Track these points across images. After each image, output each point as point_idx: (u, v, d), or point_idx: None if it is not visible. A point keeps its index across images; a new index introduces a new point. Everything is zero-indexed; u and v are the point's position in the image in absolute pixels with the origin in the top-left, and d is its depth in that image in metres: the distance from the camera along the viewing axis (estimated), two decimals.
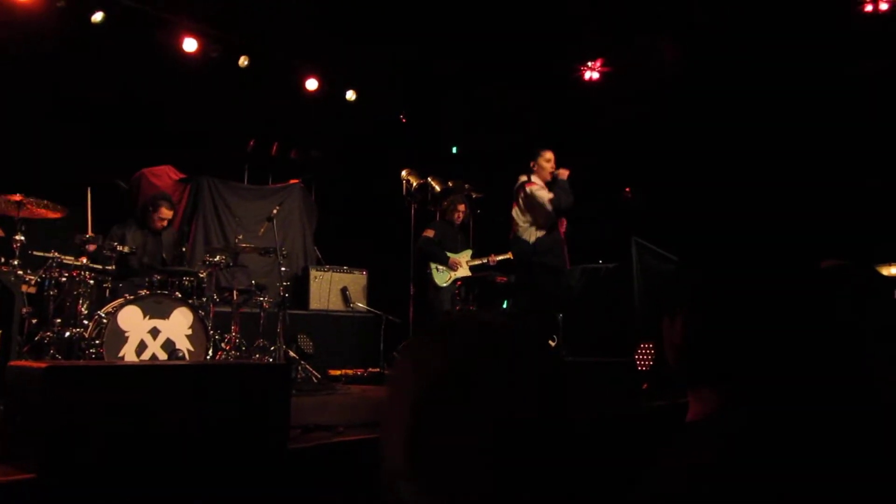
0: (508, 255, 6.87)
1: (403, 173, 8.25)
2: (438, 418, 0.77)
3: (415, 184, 8.14)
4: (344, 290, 8.00)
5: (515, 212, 6.21)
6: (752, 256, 1.01)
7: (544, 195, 5.97)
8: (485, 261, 7.09)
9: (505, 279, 7.84)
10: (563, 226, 6.17)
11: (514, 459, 0.74)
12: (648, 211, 7.37)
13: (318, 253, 8.93)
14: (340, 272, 8.37)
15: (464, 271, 7.01)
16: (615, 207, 7.57)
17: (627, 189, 7.32)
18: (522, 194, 6.10)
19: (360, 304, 8.00)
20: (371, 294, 8.32)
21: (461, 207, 7.02)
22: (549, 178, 6.06)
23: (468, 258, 7.08)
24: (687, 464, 0.87)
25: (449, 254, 6.93)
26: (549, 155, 6.09)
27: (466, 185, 8.21)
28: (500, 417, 0.75)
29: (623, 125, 7.77)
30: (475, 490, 0.74)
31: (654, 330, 6.13)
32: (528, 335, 0.82)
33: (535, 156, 6.15)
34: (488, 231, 8.32)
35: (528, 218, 6.14)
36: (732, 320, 0.97)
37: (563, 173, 6.02)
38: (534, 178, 6.12)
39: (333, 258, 8.71)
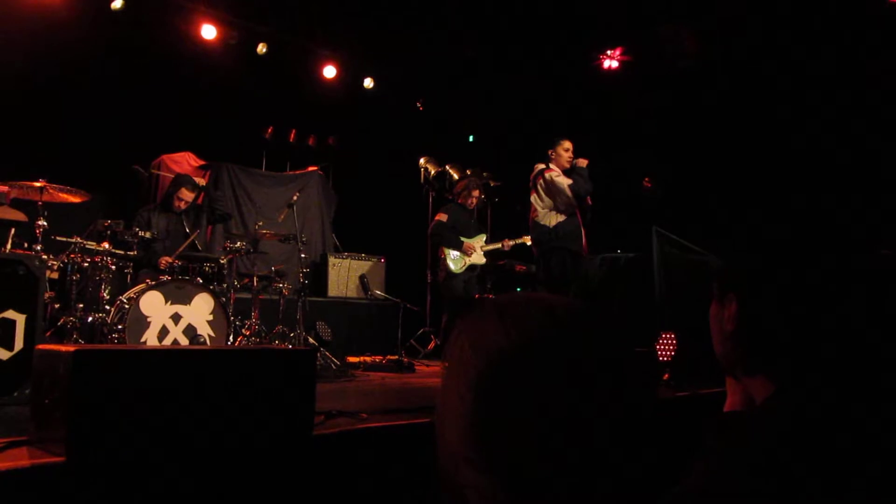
0: (524, 240, 6.87)
1: (422, 161, 8.55)
2: (502, 399, 0.75)
3: (433, 171, 8.48)
4: (362, 278, 7.96)
5: (534, 198, 6.17)
6: (810, 243, 0.98)
7: (563, 181, 5.95)
8: (499, 245, 7.10)
9: (524, 268, 7.92)
10: (588, 209, 6.16)
11: (579, 442, 0.73)
12: (668, 200, 7.36)
13: (336, 240, 8.93)
14: (359, 259, 8.36)
15: (478, 257, 7.01)
16: (635, 197, 7.55)
17: (647, 179, 7.25)
18: (541, 181, 6.08)
19: (378, 292, 7.97)
20: (389, 281, 8.32)
21: (475, 193, 7.02)
22: (566, 166, 6.04)
23: (482, 243, 7.08)
24: (747, 452, 0.84)
25: (462, 238, 6.93)
26: (567, 144, 6.04)
27: (485, 174, 8.48)
28: (567, 400, 0.74)
29: (642, 114, 7.79)
30: (541, 472, 0.73)
31: (675, 319, 6.06)
32: (595, 316, 0.80)
33: (553, 144, 6.12)
34: (504, 219, 8.39)
35: (548, 203, 6.11)
36: (793, 305, 0.95)
37: (582, 162, 5.99)
38: (552, 166, 6.10)
39: (352, 245, 8.71)
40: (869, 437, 0.84)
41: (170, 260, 5.28)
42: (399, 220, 8.66)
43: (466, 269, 6.94)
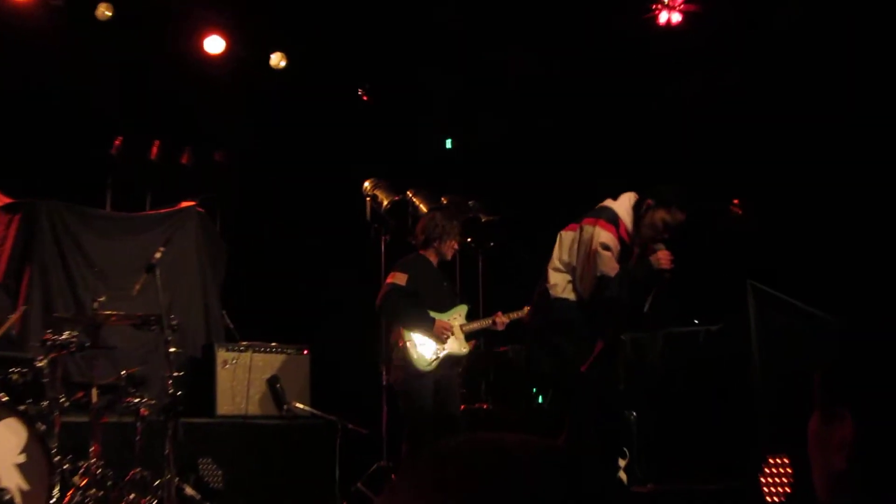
0: (523, 313, 7.03)
1: (367, 185, 8.74)
2: None
3: (385, 202, 8.59)
4: (273, 382, 8.21)
5: (561, 251, 6.19)
6: None
7: (608, 261, 5.93)
8: (489, 323, 7.24)
9: None
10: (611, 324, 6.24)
11: None
12: (768, 235, 7.72)
13: (228, 321, 9.08)
14: (266, 352, 8.51)
15: (457, 344, 7.12)
16: (717, 232, 7.90)
17: (736, 201, 7.62)
18: (583, 234, 6.07)
19: (300, 405, 8.19)
20: (317, 386, 8.53)
21: (455, 237, 7.25)
22: (647, 239, 6.09)
23: (462, 320, 7.22)
24: None
25: (433, 314, 7.05)
26: (680, 216, 6.03)
27: (470, 203, 8.63)
28: None
29: (718, 97, 8.31)
30: None
31: (788, 432, 6.31)
32: (574, 470, 0.87)
33: (660, 198, 6.05)
34: (500, 277, 8.72)
35: (567, 262, 6.14)
36: None
37: (663, 259, 5.91)
38: (623, 219, 6.08)
39: (255, 330, 8.83)
40: None
41: None
42: (331, 285, 8.86)
43: (441, 365, 7.00)
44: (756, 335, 7.11)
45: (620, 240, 5.91)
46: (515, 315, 7.21)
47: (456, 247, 7.30)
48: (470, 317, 7.34)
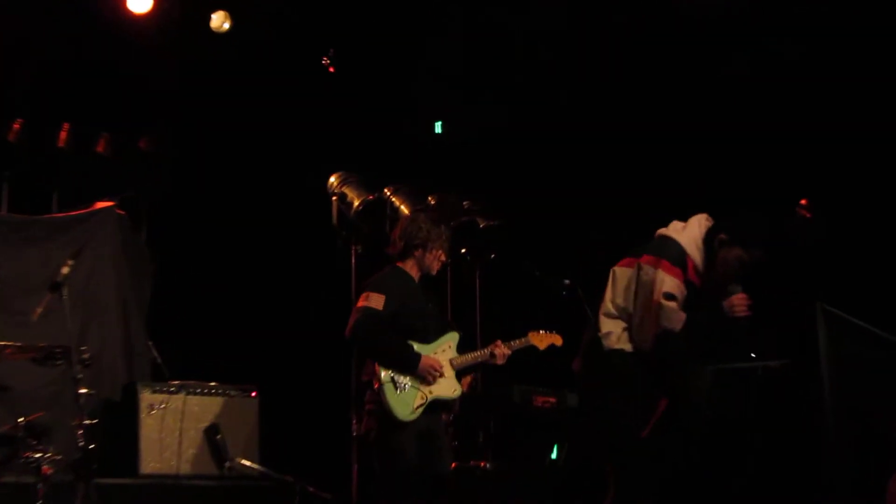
0: (539, 340, 7.05)
1: (333, 181, 8.45)
2: None
3: (356, 202, 8.31)
4: (212, 434, 7.81)
5: (615, 293, 6.08)
6: None
7: (672, 313, 5.80)
8: (486, 355, 6.98)
9: (553, 400, 7.88)
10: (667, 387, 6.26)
11: None
12: (843, 244, 7.63)
13: (155, 354, 8.77)
14: (204, 394, 8.15)
15: (447, 385, 6.84)
16: (778, 241, 7.11)
17: (804, 202, 7.09)
18: (642, 276, 5.97)
19: (248, 462, 7.80)
20: (268, 438, 8.19)
21: (444, 247, 6.97)
22: (719, 281, 5.93)
23: (452, 353, 6.94)
24: None
25: (417, 345, 6.74)
26: (759, 255, 5.95)
27: (465, 204, 8.48)
28: None
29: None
30: None
31: (866, 491, 6.34)
32: None
33: (736, 236, 5.91)
34: (499, 294, 8.69)
35: (622, 307, 6.03)
36: None
37: (739, 307, 5.81)
38: (692, 255, 5.96)
39: (188, 365, 8.57)
40: None
41: None
42: (288, 309, 8.76)
43: (427, 412, 6.70)
44: (827, 372, 6.78)
45: (688, 283, 5.89)
46: (519, 344, 6.99)
47: (444, 258, 7.03)
48: (462, 347, 7.04)
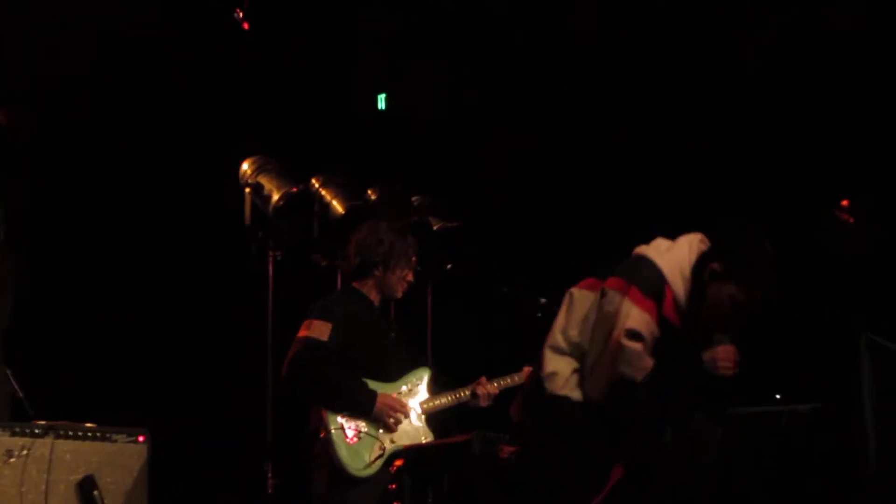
0: (522, 375, 6.99)
1: (246, 169, 8.12)
2: None
3: (276, 196, 8.01)
4: (88, 489, 7.20)
5: (569, 321, 5.79)
6: None
7: (634, 358, 5.47)
8: (466, 396, 7.05)
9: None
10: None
11: None
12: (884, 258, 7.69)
13: (16, 387, 8.16)
14: (77, 438, 7.41)
15: (413, 434, 6.86)
16: (813, 253, 7.61)
17: (845, 203, 7.17)
18: (605, 305, 5.70)
19: None
20: (161, 494, 7.63)
21: (410, 261, 6.96)
22: (706, 323, 5.61)
23: (423, 394, 6.99)
24: None
25: (374, 384, 6.68)
26: (758, 296, 5.56)
27: (415, 200, 8.41)
28: None
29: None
30: None
31: None
32: None
33: (731, 267, 5.57)
34: (450, 314, 8.56)
35: (574, 344, 5.74)
36: None
37: (723, 362, 5.47)
38: (673, 285, 5.64)
39: (58, 402, 7.85)
40: None
41: None
42: (187, 332, 8.62)
43: (387, 465, 6.64)
44: (872, 415, 6.40)
45: (663, 321, 5.50)
46: (510, 382, 7.02)
47: (410, 278, 6.98)
48: (444, 386, 7.13)
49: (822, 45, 8.72)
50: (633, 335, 5.31)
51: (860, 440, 6.40)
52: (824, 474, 6.70)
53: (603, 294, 5.51)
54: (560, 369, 5.57)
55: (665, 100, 9.20)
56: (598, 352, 5.48)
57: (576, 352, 5.56)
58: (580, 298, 5.65)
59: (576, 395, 5.51)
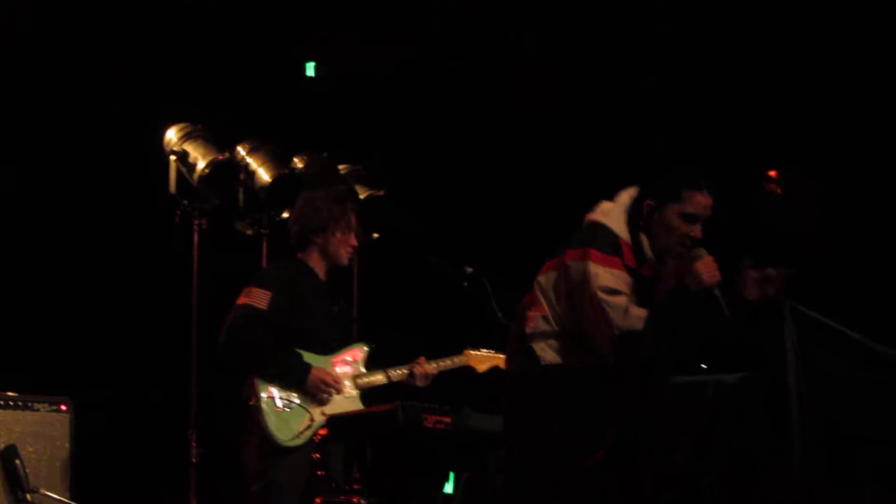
0: (463, 359, 7.09)
1: (171, 136, 8.16)
2: None
3: (202, 164, 8.10)
4: (9, 458, 7.18)
5: (541, 293, 5.77)
6: None
7: (621, 308, 5.50)
8: (403, 375, 6.99)
9: (449, 420, 7.53)
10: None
11: None
12: (825, 226, 7.82)
13: None
14: None
15: (345, 406, 6.81)
16: (738, 224, 7.42)
17: (773, 173, 7.12)
18: (571, 276, 5.68)
19: (54, 495, 7.21)
20: (85, 462, 7.59)
21: (351, 227, 6.94)
22: (673, 251, 5.69)
23: (359, 368, 6.95)
24: None
25: (309, 356, 6.66)
26: (702, 198, 5.65)
27: (342, 168, 8.47)
28: None
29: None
30: None
31: None
32: None
33: (659, 194, 5.66)
34: (379, 288, 8.69)
35: (553, 313, 5.69)
36: None
37: (706, 272, 5.50)
38: (624, 238, 5.72)
39: None
40: None
41: None
42: (111, 300, 8.57)
43: (312, 437, 6.65)
44: (796, 387, 6.16)
45: (630, 270, 5.59)
46: (449, 364, 7.04)
47: (354, 242, 6.95)
48: (383, 362, 7.07)
49: (741, 13, 8.63)
50: (610, 291, 5.36)
51: (782, 408, 6.23)
52: (748, 445, 6.55)
53: (565, 268, 5.55)
54: (548, 343, 5.59)
55: (590, 69, 9.12)
56: (588, 319, 5.48)
57: (566, 328, 5.58)
58: (548, 281, 5.68)
59: (568, 361, 5.54)
